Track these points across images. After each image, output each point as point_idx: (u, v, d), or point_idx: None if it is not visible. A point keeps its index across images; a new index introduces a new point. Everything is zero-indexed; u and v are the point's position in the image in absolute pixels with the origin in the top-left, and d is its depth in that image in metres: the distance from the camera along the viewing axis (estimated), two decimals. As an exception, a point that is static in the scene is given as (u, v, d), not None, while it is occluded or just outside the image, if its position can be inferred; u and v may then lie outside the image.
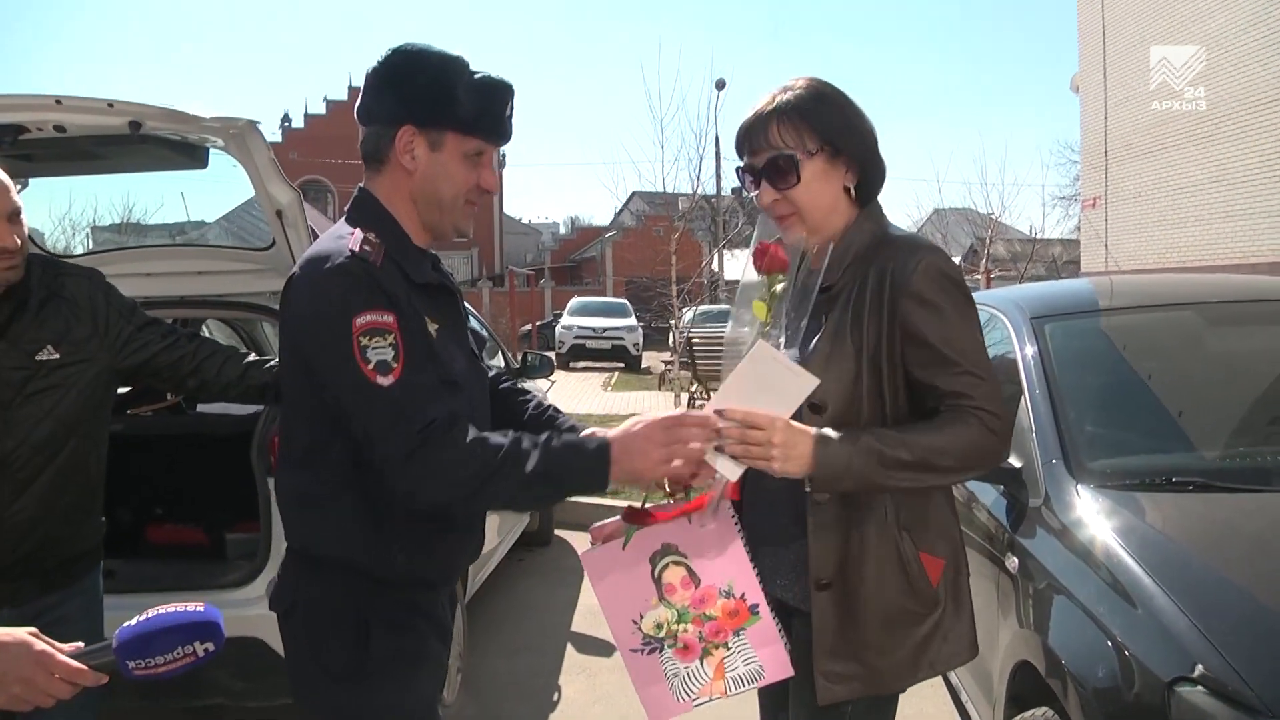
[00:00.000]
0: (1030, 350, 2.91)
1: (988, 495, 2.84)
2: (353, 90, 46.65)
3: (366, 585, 1.63)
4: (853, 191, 1.75)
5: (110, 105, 2.58)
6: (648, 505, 1.73)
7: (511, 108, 1.70)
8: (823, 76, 1.77)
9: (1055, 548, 2.34)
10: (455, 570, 1.83)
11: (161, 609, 1.31)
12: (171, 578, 3.03)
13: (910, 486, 1.64)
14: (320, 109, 45.44)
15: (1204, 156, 13.42)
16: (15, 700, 1.24)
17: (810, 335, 1.74)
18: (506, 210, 52.50)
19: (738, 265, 32.86)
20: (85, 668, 1.28)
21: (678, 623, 1.78)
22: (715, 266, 30.12)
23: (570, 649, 4.56)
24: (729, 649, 1.84)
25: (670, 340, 16.75)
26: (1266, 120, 12.47)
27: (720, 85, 26.65)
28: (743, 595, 1.87)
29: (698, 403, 10.27)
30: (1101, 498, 2.35)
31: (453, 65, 1.64)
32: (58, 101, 2.57)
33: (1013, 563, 2.51)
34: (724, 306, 26.81)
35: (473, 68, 1.66)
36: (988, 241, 19.46)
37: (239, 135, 2.84)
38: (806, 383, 1.57)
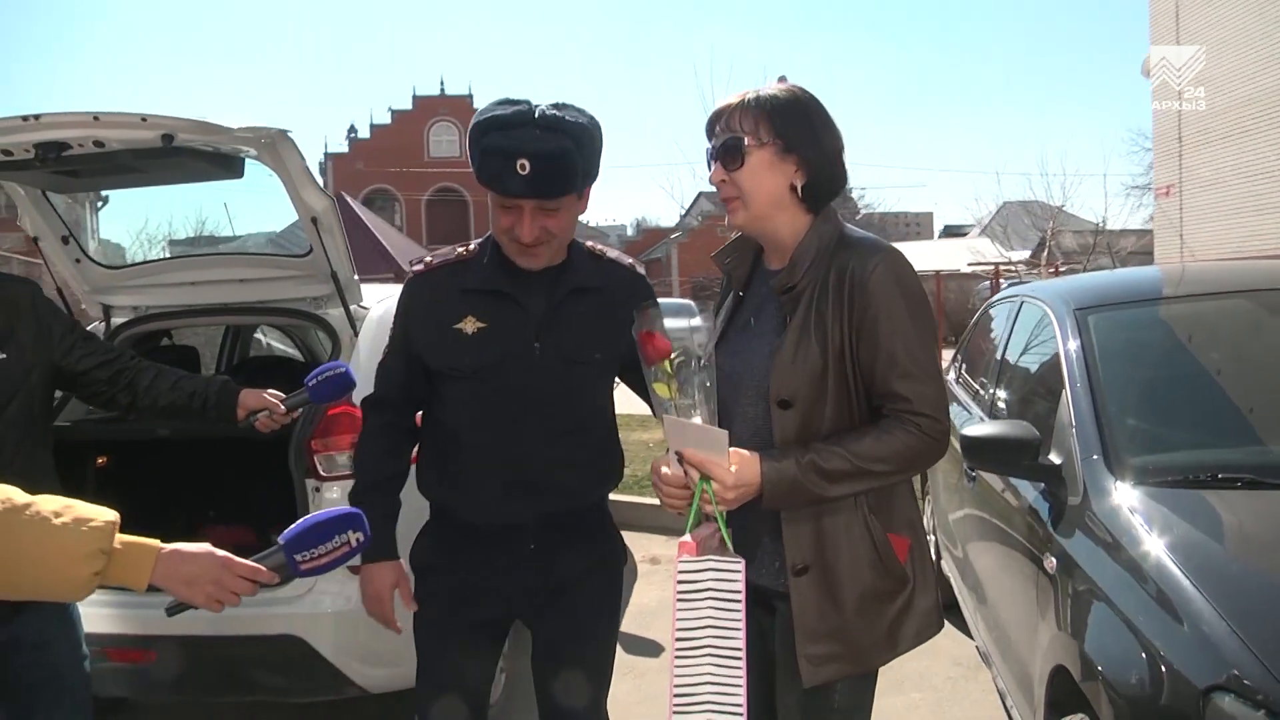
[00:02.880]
0: (1073, 344, 2.81)
1: (1028, 492, 2.75)
2: (416, 99, 47.74)
3: (429, 506, 2.18)
4: (799, 191, 1.79)
5: (143, 120, 2.65)
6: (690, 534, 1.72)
7: (524, 167, 1.85)
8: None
9: (1092, 548, 2.25)
10: (472, 510, 2.07)
11: (309, 516, 1.59)
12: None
13: (855, 492, 1.72)
14: (385, 119, 46.28)
15: (1286, 139, 12.84)
16: (209, 599, 1.51)
17: (775, 334, 1.80)
18: (572, 213, 52.70)
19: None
20: (261, 566, 1.54)
21: None
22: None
23: (619, 649, 4.54)
24: None
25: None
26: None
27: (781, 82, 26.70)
28: None
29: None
30: (1142, 495, 2.26)
31: (478, 129, 1.92)
32: (95, 118, 2.65)
33: (1050, 563, 2.42)
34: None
35: (498, 133, 1.88)
36: (1049, 233, 18.83)
37: (270, 144, 2.88)
38: (720, 435, 1.67)
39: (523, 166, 1.85)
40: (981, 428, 2.72)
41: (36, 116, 2.68)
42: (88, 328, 3.63)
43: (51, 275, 3.52)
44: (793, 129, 1.78)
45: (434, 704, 2.15)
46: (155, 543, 1.52)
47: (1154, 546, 2.05)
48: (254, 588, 1.54)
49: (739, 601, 1.64)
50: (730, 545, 1.72)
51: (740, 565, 1.65)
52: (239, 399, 2.25)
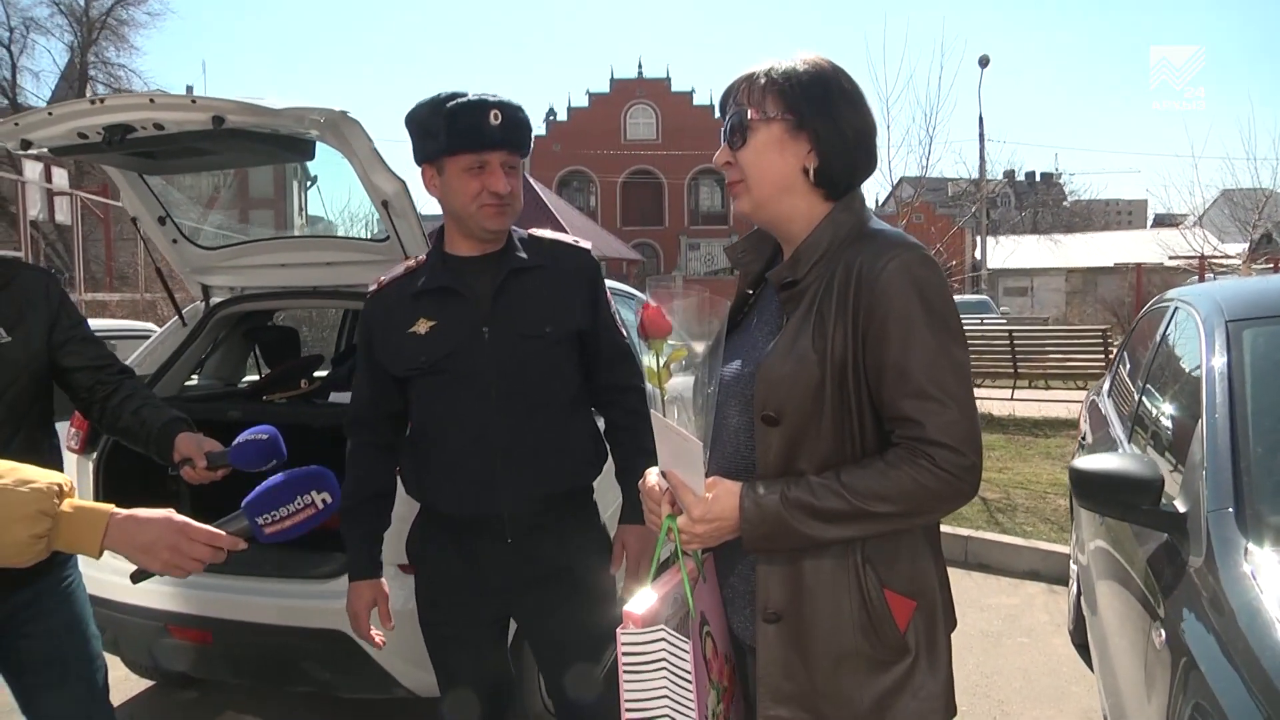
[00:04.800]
0: (1219, 361, 2.28)
1: (1149, 543, 2.27)
2: (614, 82, 48.41)
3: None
4: (811, 175, 1.53)
5: (193, 101, 2.62)
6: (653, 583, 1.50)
7: (497, 117, 1.98)
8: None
9: (1205, 633, 1.78)
10: (449, 503, 2.10)
11: (272, 477, 1.58)
12: (272, 565, 3.07)
13: (854, 536, 1.44)
14: (583, 101, 47.16)
15: None
16: (168, 566, 1.51)
17: (772, 336, 1.53)
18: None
19: (1002, 252, 30.47)
20: (221, 531, 1.54)
21: (718, 704, 1.54)
22: (978, 254, 28.45)
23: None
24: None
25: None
26: None
27: (984, 63, 25.07)
28: (730, 657, 1.59)
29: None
30: (1281, 566, 1.78)
31: (431, 105, 2.01)
32: (151, 100, 2.65)
33: (1159, 637, 1.96)
34: (981, 297, 25.26)
35: (462, 98, 1.98)
36: (1254, 222, 16.44)
37: (332, 125, 2.79)
38: (694, 446, 1.43)
39: (495, 116, 1.98)
40: (1091, 460, 2.27)
41: (102, 99, 2.72)
42: (185, 308, 3.76)
43: (151, 255, 3.62)
44: (806, 103, 1.51)
45: (447, 703, 2.22)
46: (108, 507, 1.50)
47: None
48: (216, 553, 1.53)
49: (690, 682, 1.38)
50: (693, 607, 1.46)
51: (688, 646, 1.38)
52: (175, 442, 2.10)
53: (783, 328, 1.51)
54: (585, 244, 2.25)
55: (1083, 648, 3.91)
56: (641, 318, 1.54)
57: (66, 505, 1.46)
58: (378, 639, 2.24)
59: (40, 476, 1.46)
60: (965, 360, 1.45)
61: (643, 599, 1.43)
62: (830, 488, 1.41)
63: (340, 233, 7.33)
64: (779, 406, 1.46)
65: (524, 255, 2.12)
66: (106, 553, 1.50)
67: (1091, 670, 3.62)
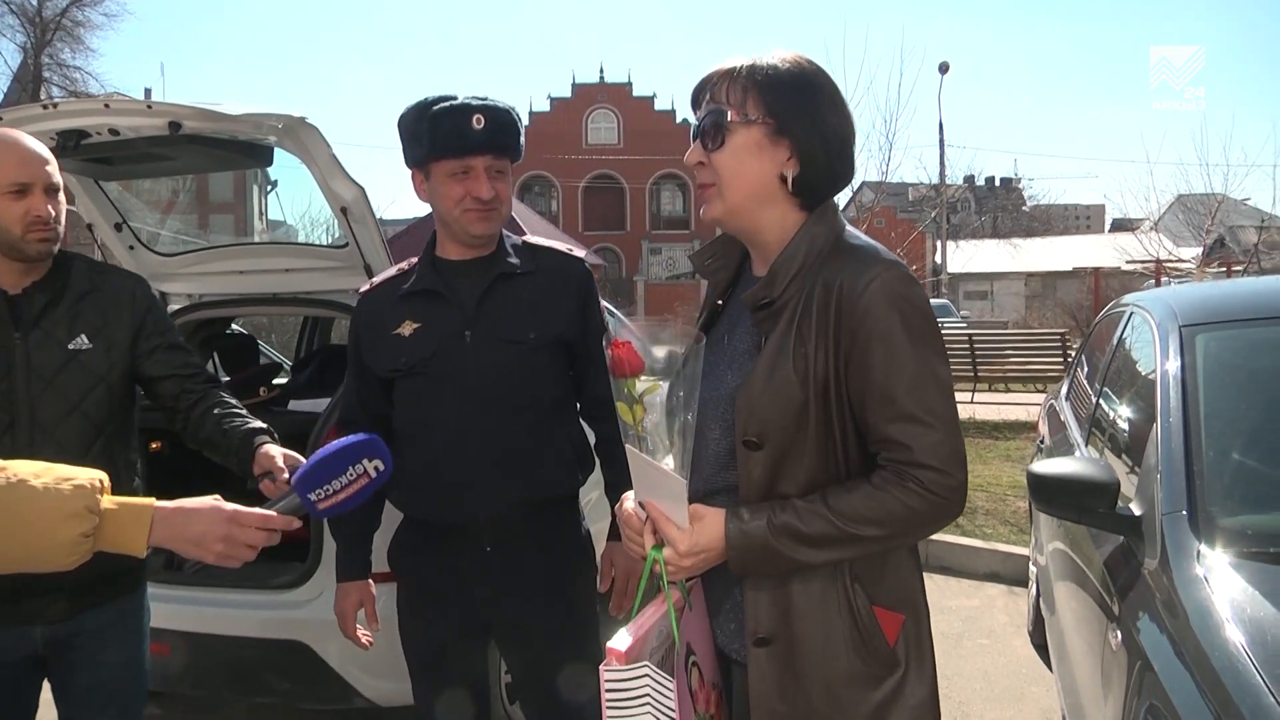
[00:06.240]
0: (1172, 366, 2.33)
1: (1106, 545, 2.31)
2: (576, 86, 48.39)
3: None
4: (790, 183, 1.46)
5: (149, 107, 2.58)
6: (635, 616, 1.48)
7: (480, 121, 1.98)
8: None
9: (1158, 634, 1.82)
10: (427, 508, 2.10)
11: (319, 450, 1.52)
12: (230, 575, 3.01)
13: (842, 559, 1.42)
14: (544, 105, 47.08)
15: None
16: (222, 557, 1.46)
17: (749, 357, 1.49)
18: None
19: (962, 256, 30.69)
20: (273, 513, 1.49)
21: None
22: (938, 259, 28.84)
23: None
24: None
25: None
26: None
27: (944, 69, 25.43)
28: (716, 684, 1.60)
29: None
30: (1234, 570, 1.82)
31: (417, 109, 2.02)
32: (106, 105, 2.60)
33: (1115, 638, 2.00)
34: (942, 301, 25.58)
35: (446, 103, 1.99)
36: (1207, 227, 16.84)
37: (290, 131, 2.77)
38: (677, 482, 1.42)
39: (479, 121, 1.98)
40: (1048, 465, 2.31)
41: (55, 104, 2.67)
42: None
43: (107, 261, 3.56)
44: (789, 107, 1.45)
45: (426, 712, 2.21)
46: (150, 501, 1.44)
47: (1235, 641, 1.62)
48: (270, 537, 1.49)
49: (674, 718, 1.37)
50: (678, 640, 1.45)
51: (673, 685, 1.36)
52: (256, 455, 1.96)
53: (761, 347, 1.47)
54: (579, 252, 2.24)
55: (1042, 649, 3.97)
56: (612, 357, 1.45)
57: (108, 501, 1.40)
58: (364, 639, 2.24)
59: (78, 474, 1.40)
60: (948, 377, 1.45)
61: (626, 634, 1.41)
62: (817, 512, 1.39)
63: (301, 238, 7.27)
64: (761, 431, 1.43)
65: (514, 261, 2.12)
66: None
67: (1050, 671, 3.67)
